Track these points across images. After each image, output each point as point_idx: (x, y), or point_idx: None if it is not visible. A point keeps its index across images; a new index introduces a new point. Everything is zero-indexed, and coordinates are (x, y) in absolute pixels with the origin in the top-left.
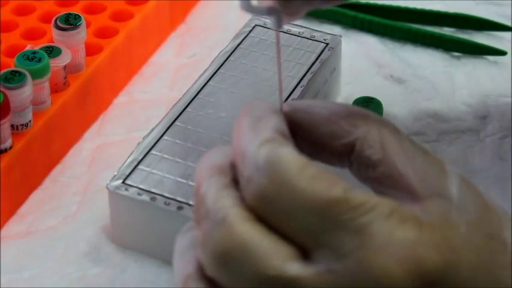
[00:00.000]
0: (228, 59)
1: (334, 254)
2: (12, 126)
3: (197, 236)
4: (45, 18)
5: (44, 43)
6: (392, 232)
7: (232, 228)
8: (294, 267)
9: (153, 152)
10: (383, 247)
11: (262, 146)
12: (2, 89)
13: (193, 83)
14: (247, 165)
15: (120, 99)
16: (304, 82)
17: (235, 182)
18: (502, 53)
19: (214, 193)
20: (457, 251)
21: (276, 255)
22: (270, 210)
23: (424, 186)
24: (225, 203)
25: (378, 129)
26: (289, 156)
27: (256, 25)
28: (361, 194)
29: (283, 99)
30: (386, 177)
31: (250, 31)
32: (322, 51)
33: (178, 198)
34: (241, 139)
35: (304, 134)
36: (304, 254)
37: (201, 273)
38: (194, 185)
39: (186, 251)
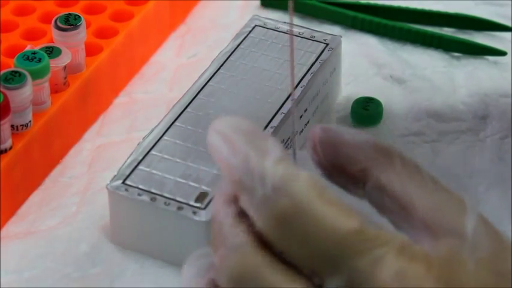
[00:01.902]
0: (228, 59)
1: (346, 281)
2: (12, 126)
3: (214, 261)
4: (45, 19)
5: (44, 43)
6: (403, 268)
7: (245, 255)
8: None
9: (153, 152)
10: (394, 279)
11: (278, 165)
12: (2, 90)
13: (194, 83)
14: (261, 185)
15: (120, 100)
16: (304, 82)
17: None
18: (502, 53)
19: (230, 221)
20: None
21: (286, 282)
22: (286, 231)
23: (439, 223)
24: (239, 231)
25: (399, 161)
26: (309, 177)
27: (256, 25)
28: (375, 226)
29: (283, 100)
30: (402, 209)
31: (250, 31)
32: (322, 52)
33: (178, 199)
34: (243, 157)
35: (326, 153)
36: (312, 278)
37: None
38: (212, 213)
39: (195, 278)
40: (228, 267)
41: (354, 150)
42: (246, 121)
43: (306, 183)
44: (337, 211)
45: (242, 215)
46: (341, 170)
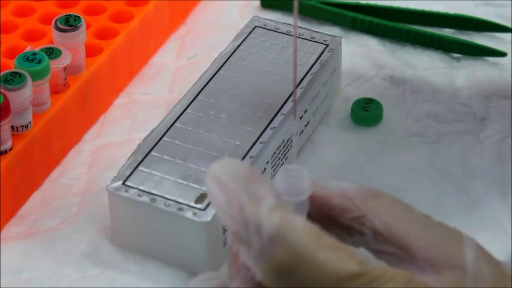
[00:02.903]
0: (228, 60)
1: None
2: (12, 127)
3: None
4: (45, 20)
5: (44, 44)
6: None
7: None
8: None
9: (153, 153)
10: None
11: (273, 213)
12: (2, 91)
13: (194, 84)
14: (257, 236)
15: (120, 101)
16: (304, 83)
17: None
18: (502, 54)
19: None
20: None
21: None
22: (286, 282)
23: (439, 257)
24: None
25: (389, 204)
26: (304, 224)
27: (256, 26)
28: (377, 265)
29: (283, 100)
30: (400, 249)
31: (250, 32)
32: (322, 53)
33: (179, 200)
34: (239, 207)
35: (316, 205)
36: None
37: None
38: (228, 243)
39: None
40: None
41: (343, 200)
42: (242, 165)
43: (302, 230)
44: (337, 255)
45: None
46: (333, 221)
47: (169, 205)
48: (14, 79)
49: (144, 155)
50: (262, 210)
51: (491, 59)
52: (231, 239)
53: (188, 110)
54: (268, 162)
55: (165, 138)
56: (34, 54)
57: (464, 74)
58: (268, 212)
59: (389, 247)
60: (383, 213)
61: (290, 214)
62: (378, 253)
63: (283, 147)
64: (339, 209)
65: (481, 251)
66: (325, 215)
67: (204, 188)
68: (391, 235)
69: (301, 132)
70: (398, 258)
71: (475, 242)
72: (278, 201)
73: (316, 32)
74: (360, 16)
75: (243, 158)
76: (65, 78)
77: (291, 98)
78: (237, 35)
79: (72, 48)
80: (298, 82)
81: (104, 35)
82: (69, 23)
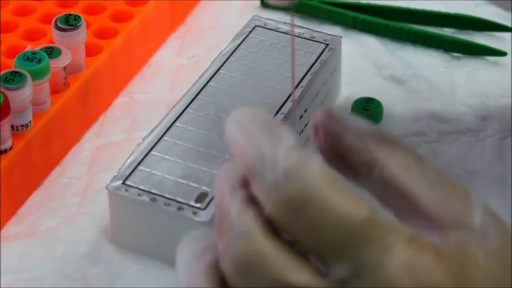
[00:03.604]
0: (228, 60)
1: (354, 269)
2: (12, 126)
3: (219, 247)
4: (45, 19)
5: (44, 44)
6: (412, 258)
7: (253, 241)
8: (311, 281)
9: (153, 152)
10: (403, 269)
11: (291, 152)
12: (2, 90)
13: (194, 84)
14: (272, 171)
15: (120, 100)
16: (304, 83)
17: (250, 194)
18: (502, 53)
19: (237, 207)
20: (474, 280)
21: (292, 269)
22: (295, 217)
23: (445, 215)
24: (247, 217)
25: (402, 154)
26: (320, 166)
27: (256, 26)
28: (385, 215)
29: (283, 100)
30: (406, 202)
31: (250, 32)
32: (322, 52)
33: (179, 199)
34: (258, 145)
35: (328, 140)
36: (318, 267)
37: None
38: (215, 199)
39: (191, 262)
40: (234, 253)
41: (356, 140)
42: (262, 111)
43: (318, 170)
44: (348, 199)
45: (250, 201)
46: (342, 159)
47: (169, 204)
48: (14, 78)
49: (144, 154)
50: (280, 149)
51: (491, 58)
52: (222, 192)
53: (188, 110)
54: None
55: (165, 138)
56: (34, 53)
57: (465, 73)
58: (286, 151)
59: (395, 198)
60: (393, 163)
61: (308, 155)
62: (382, 202)
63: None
64: (350, 148)
65: (490, 212)
66: (335, 151)
67: (204, 188)
68: (399, 187)
69: (301, 132)
70: (402, 212)
71: (484, 202)
72: (297, 143)
73: (316, 31)
74: (361, 16)
75: None
76: (65, 78)
77: (291, 98)
78: (237, 34)
79: (72, 47)
80: (298, 82)
81: (104, 34)
82: (69, 23)
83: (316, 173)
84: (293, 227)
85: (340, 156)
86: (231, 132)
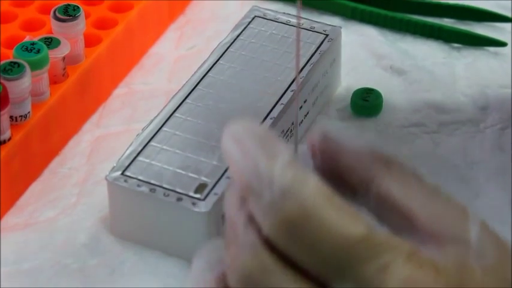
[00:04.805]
0: (228, 50)
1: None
2: (11, 117)
3: (225, 259)
4: (44, 10)
5: (42, 34)
6: (411, 275)
7: (257, 254)
8: None
9: (152, 143)
10: (403, 286)
11: (287, 169)
12: (1, 80)
13: (193, 74)
14: (269, 189)
15: (120, 91)
16: (303, 73)
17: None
18: (502, 44)
19: (243, 221)
20: None
21: (295, 284)
22: (292, 236)
23: (443, 231)
24: (251, 231)
25: (399, 171)
26: (317, 182)
27: (255, 16)
28: (383, 232)
29: (283, 91)
30: (403, 218)
31: (250, 22)
32: (322, 43)
33: (178, 190)
34: (253, 161)
35: (325, 160)
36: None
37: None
38: (225, 210)
39: (205, 272)
40: (238, 266)
41: (353, 159)
42: (260, 125)
43: (314, 188)
44: (345, 217)
45: (252, 217)
46: (340, 178)
47: (168, 195)
48: (12, 69)
49: (144, 145)
50: (276, 165)
51: (491, 49)
52: (229, 205)
53: (187, 100)
54: None
55: (164, 129)
56: (33, 44)
57: (465, 64)
58: (283, 168)
59: (393, 215)
60: (390, 180)
61: (304, 172)
62: (379, 220)
63: (283, 138)
64: (347, 167)
65: (486, 228)
66: (333, 171)
67: (203, 178)
68: (396, 204)
69: (301, 122)
70: (400, 228)
71: (480, 218)
72: (293, 159)
73: (316, 21)
74: (360, 6)
75: None
76: (64, 68)
77: (292, 88)
78: (236, 25)
79: (71, 38)
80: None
81: (103, 25)
82: (68, 13)
83: (313, 190)
84: (291, 248)
85: (338, 175)
86: (227, 146)
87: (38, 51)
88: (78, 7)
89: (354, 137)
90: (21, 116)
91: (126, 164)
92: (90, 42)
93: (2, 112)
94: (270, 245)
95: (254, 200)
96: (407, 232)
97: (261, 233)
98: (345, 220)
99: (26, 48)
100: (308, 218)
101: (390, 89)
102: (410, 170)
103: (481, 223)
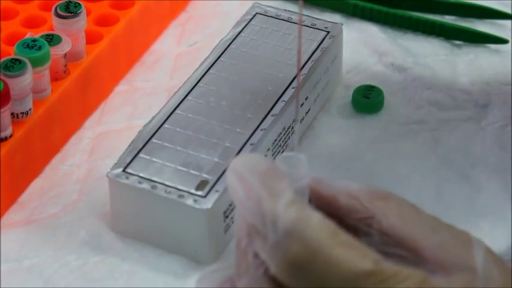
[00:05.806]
0: (229, 47)
1: None
2: (12, 114)
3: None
4: (46, 6)
5: (44, 31)
6: None
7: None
8: None
9: (153, 140)
10: None
11: (290, 207)
12: (2, 77)
13: (194, 71)
14: (273, 229)
15: (121, 88)
16: (305, 70)
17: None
18: (503, 41)
19: (253, 255)
20: None
21: None
22: (299, 276)
23: (447, 259)
24: (261, 269)
25: (397, 205)
26: (320, 219)
27: (257, 13)
28: (391, 264)
29: (284, 87)
30: (408, 251)
31: (251, 19)
32: (323, 40)
33: (179, 187)
34: (257, 199)
35: (323, 205)
36: None
37: None
38: (236, 238)
39: None
40: None
41: (349, 200)
42: (263, 160)
43: (318, 226)
44: (352, 252)
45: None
46: (340, 221)
47: (169, 192)
48: (14, 66)
49: (145, 142)
50: (279, 204)
51: (492, 46)
52: (240, 234)
53: (189, 97)
54: (269, 149)
55: (165, 125)
56: (34, 41)
57: (466, 61)
58: (286, 207)
59: (398, 249)
60: (390, 215)
61: (307, 210)
62: (385, 255)
63: (283, 134)
64: (346, 209)
65: (490, 253)
66: (332, 215)
67: (204, 175)
68: (399, 237)
69: (302, 120)
70: (406, 261)
71: (483, 243)
72: (296, 196)
73: (317, 18)
74: (361, 3)
75: (244, 145)
76: (65, 65)
77: (293, 85)
78: (237, 21)
79: (72, 34)
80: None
81: (104, 21)
82: (70, 10)
83: (317, 227)
84: (299, 286)
85: (337, 219)
86: (231, 182)
87: (39, 48)
88: (79, 4)
89: (346, 180)
90: (23, 113)
91: (128, 161)
92: (92, 39)
93: (3, 109)
94: (279, 283)
95: (259, 241)
96: (414, 264)
97: (265, 276)
98: (352, 255)
99: (27, 45)
100: (314, 257)
101: (391, 86)
102: (408, 203)
103: (485, 248)
